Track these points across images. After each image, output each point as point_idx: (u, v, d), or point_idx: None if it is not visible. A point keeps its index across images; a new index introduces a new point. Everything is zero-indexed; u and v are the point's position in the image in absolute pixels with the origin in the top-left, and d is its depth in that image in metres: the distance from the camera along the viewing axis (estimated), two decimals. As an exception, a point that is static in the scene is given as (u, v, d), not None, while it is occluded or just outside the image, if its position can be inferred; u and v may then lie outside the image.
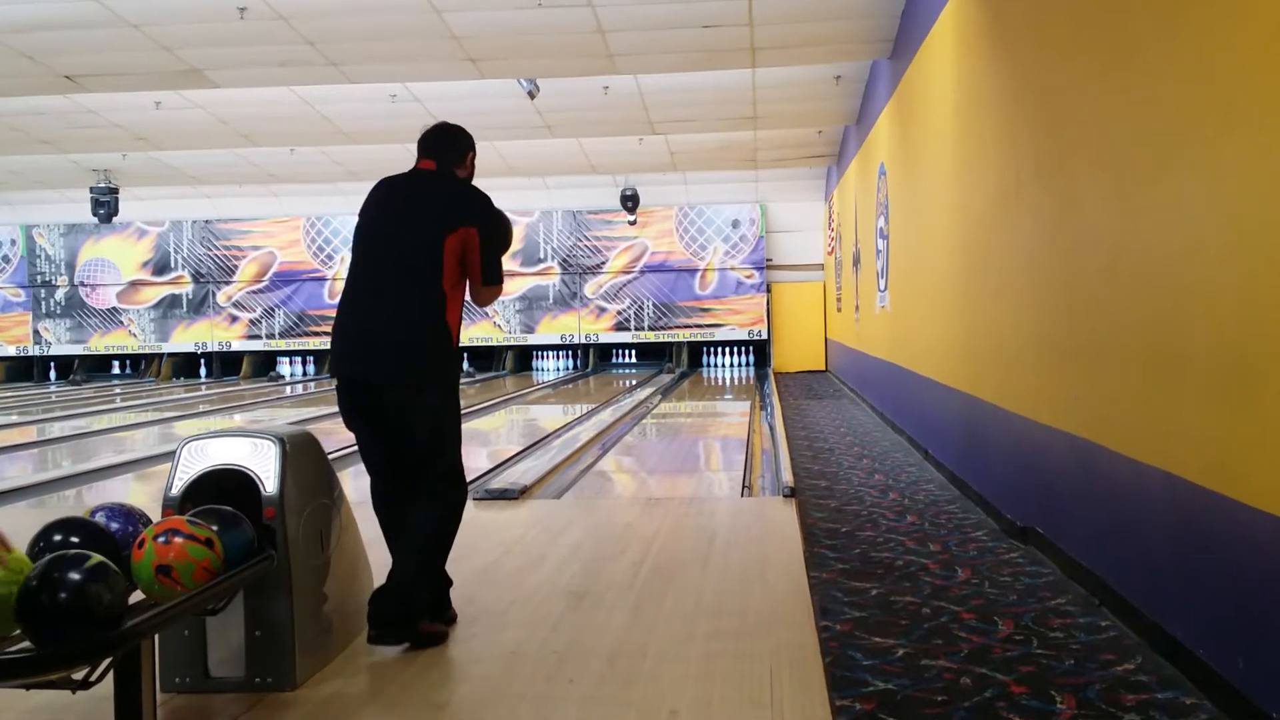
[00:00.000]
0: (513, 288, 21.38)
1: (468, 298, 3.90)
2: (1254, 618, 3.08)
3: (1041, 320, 5.24)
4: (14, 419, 14.53)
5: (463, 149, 3.97)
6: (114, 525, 2.90)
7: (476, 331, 21.35)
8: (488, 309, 3.96)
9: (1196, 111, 3.42)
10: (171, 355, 22.43)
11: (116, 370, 23.12)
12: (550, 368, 21.85)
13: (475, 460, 9.27)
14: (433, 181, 3.90)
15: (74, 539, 2.70)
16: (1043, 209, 5.20)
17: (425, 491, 3.78)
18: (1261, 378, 2.99)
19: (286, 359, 22.61)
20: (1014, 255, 5.77)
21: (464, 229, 3.75)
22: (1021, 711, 3.19)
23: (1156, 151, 3.76)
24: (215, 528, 2.99)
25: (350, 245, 3.98)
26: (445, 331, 3.75)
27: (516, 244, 21.44)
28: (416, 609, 3.69)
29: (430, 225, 3.75)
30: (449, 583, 3.98)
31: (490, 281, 3.84)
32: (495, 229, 3.86)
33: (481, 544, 5.35)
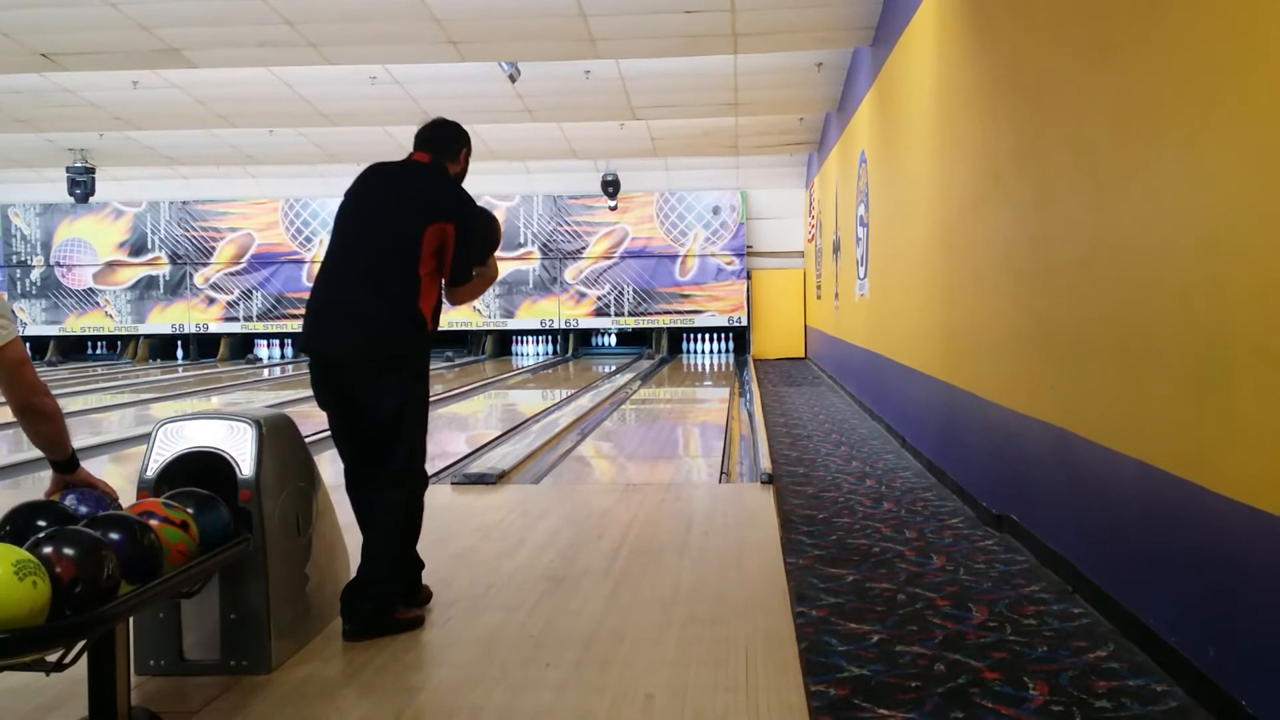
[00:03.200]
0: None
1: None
2: (1225, 606, 3.11)
3: (1019, 310, 5.27)
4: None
5: (457, 145, 4.01)
6: (83, 509, 2.87)
7: (456, 316, 21.29)
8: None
9: (1174, 106, 3.44)
10: (148, 337, 22.31)
11: (91, 351, 22.97)
12: (530, 353, 21.83)
13: (453, 445, 9.26)
14: (422, 172, 3.93)
15: (40, 522, 2.67)
16: (1021, 199, 5.22)
17: (388, 480, 3.79)
18: (1234, 369, 3.01)
19: (264, 341, 22.52)
20: (992, 245, 5.79)
21: (442, 224, 3.78)
22: (994, 698, 3.22)
23: (1134, 144, 3.78)
24: (191, 510, 2.98)
25: (331, 226, 3.98)
26: (416, 316, 3.75)
27: (497, 228, 21.37)
28: (390, 601, 3.72)
29: (413, 214, 3.78)
30: (420, 565, 4.00)
31: (457, 281, 3.87)
32: (472, 228, 3.88)
33: (459, 529, 5.34)
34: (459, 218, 3.83)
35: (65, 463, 3.13)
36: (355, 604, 3.66)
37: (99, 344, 22.94)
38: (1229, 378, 3.05)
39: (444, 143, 4.00)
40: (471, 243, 3.87)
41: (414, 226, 3.75)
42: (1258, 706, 2.88)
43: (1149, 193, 3.64)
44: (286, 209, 21.64)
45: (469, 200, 3.91)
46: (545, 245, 21.23)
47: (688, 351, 21.56)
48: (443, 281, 3.87)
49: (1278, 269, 2.77)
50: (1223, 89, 3.11)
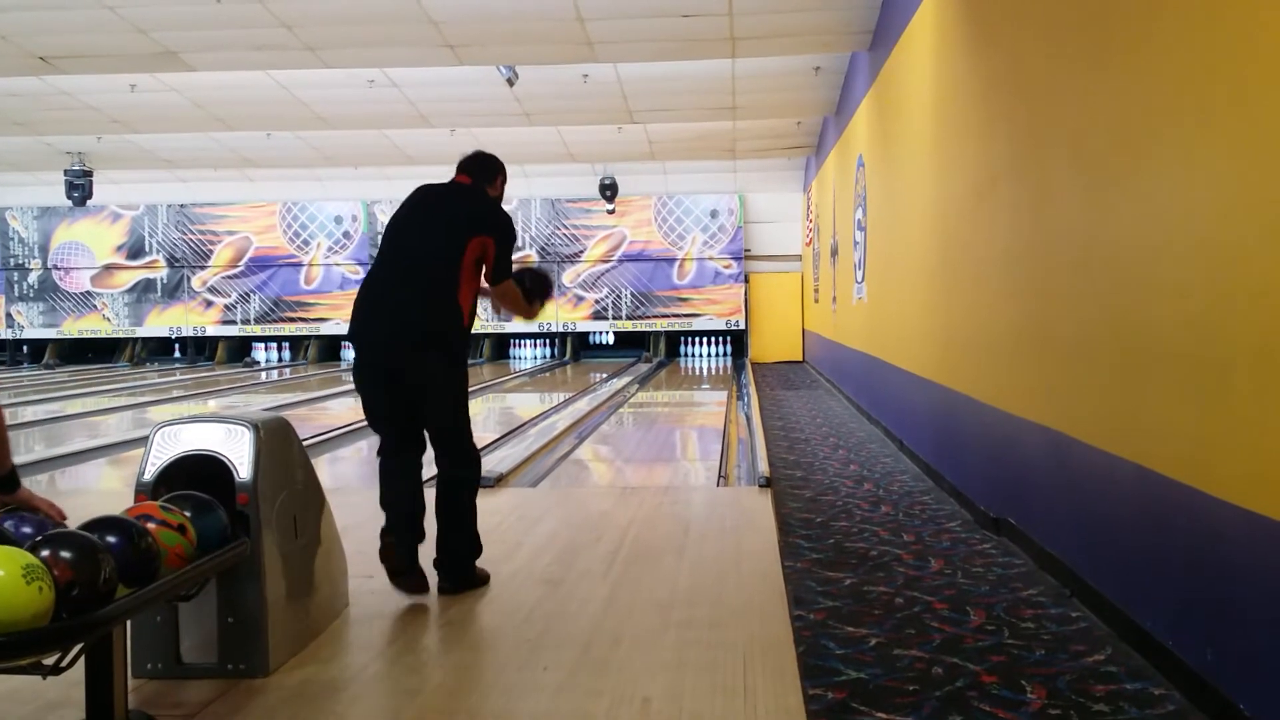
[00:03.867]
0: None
1: (487, 298, 4.54)
2: (1222, 609, 3.12)
3: (1016, 313, 5.27)
4: (-15, 403, 14.39)
5: (493, 172, 4.57)
6: (25, 529, 2.63)
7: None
8: (504, 313, 4.98)
9: (1170, 108, 3.44)
10: (145, 340, 22.30)
11: (91, 355, 22.97)
12: (527, 356, 21.83)
13: (451, 448, 9.24)
14: (466, 193, 4.47)
15: None
16: (1018, 202, 5.23)
17: (452, 463, 4.34)
18: (1230, 372, 3.02)
19: (262, 345, 22.50)
20: (989, 248, 5.80)
21: (483, 237, 4.29)
22: (992, 701, 3.22)
23: (1130, 147, 3.78)
24: (188, 514, 2.98)
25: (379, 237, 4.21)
26: (455, 309, 4.24)
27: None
28: (472, 560, 4.36)
29: (459, 227, 4.28)
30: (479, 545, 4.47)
31: (496, 281, 4.39)
32: (510, 241, 4.42)
33: (456, 532, 5.34)
34: (498, 232, 4.33)
35: (4, 480, 2.80)
36: (446, 565, 4.25)
37: (96, 349, 22.92)
38: (1226, 381, 3.05)
39: (482, 170, 4.54)
40: (509, 253, 4.39)
41: (459, 239, 4.25)
42: (1255, 709, 2.88)
43: (1145, 195, 3.65)
44: (284, 212, 21.63)
45: (507, 219, 4.44)
46: (543, 249, 21.23)
47: (686, 355, 21.56)
48: (484, 284, 4.40)
49: (1274, 271, 2.78)
50: (1218, 91, 3.12)
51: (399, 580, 4.18)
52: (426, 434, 4.35)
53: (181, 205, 21.85)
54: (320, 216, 21.35)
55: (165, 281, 22.05)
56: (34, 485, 7.50)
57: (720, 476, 7.51)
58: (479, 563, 4.42)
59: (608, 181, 20.11)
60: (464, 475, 4.37)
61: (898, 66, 8.88)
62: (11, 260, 22.24)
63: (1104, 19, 4.05)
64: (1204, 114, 3.21)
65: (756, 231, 21.21)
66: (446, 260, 4.24)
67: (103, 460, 8.72)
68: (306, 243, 21.60)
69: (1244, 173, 2.96)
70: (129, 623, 2.83)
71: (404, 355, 4.19)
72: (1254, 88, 2.91)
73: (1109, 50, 3.99)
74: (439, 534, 4.30)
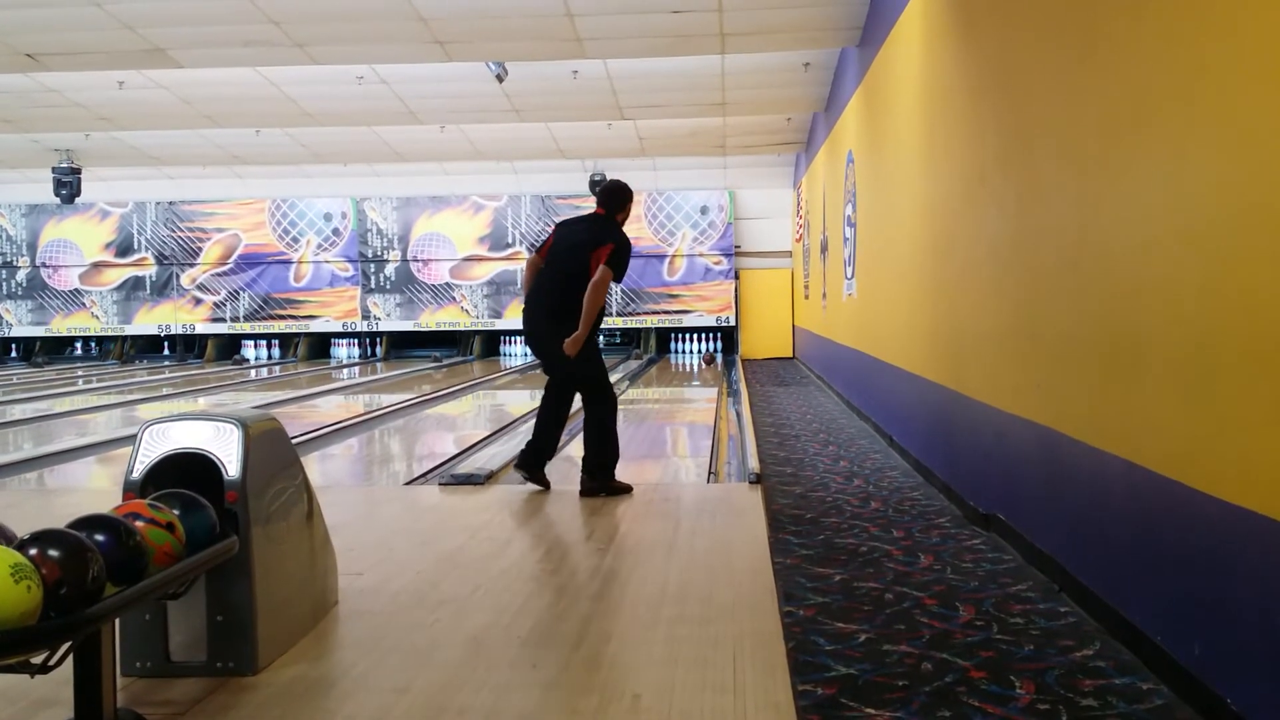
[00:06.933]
0: (480, 272, 21.35)
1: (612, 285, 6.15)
2: (1211, 605, 3.13)
3: (1005, 309, 5.28)
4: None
5: (623, 201, 6.29)
6: None
7: (443, 317, 21.30)
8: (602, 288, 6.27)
9: (1157, 104, 3.45)
10: (134, 338, 22.24)
11: (80, 351, 22.89)
12: (518, 353, 21.78)
13: (441, 445, 9.26)
14: (596, 221, 6.27)
15: None
16: (1006, 198, 5.23)
17: (589, 399, 6.20)
18: (1219, 369, 3.03)
19: (251, 342, 22.45)
20: (978, 244, 5.81)
21: (602, 248, 6.00)
22: (981, 696, 3.23)
23: (1119, 142, 3.79)
24: (177, 512, 2.97)
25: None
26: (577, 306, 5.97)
27: (484, 229, 21.38)
28: (609, 467, 6.09)
29: (585, 243, 6.06)
30: (616, 457, 6.15)
31: (618, 278, 6.08)
32: (625, 249, 6.13)
33: (447, 529, 5.34)
34: (615, 240, 6.06)
35: None
36: (589, 467, 6.06)
37: (90, 344, 22.84)
38: (1215, 377, 3.06)
39: (611, 200, 6.29)
40: (625, 259, 6.10)
41: (585, 253, 5.99)
42: (1242, 704, 2.89)
43: (1134, 191, 3.65)
44: (273, 209, 21.57)
45: (623, 235, 6.17)
46: (533, 245, 21.20)
47: (676, 351, 21.56)
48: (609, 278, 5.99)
49: (1264, 267, 2.79)
50: (1205, 86, 3.12)
51: None
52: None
53: (170, 202, 21.79)
54: (310, 214, 21.30)
55: (154, 279, 21.99)
56: (23, 484, 7.50)
57: (710, 473, 7.51)
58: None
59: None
60: (600, 400, 6.26)
61: (887, 62, 8.89)
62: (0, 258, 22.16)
63: (1091, 14, 4.05)
64: (1192, 108, 3.22)
65: (746, 228, 21.22)
66: (577, 274, 6.03)
67: (91, 458, 8.69)
68: (296, 240, 21.55)
69: (1232, 168, 2.97)
70: (117, 621, 2.82)
71: (545, 341, 6.19)
72: (1241, 82, 2.91)
73: (1096, 45, 3.99)
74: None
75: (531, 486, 6.16)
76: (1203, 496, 3.12)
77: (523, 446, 6.26)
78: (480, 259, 21.43)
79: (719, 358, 19.73)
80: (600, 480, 6.02)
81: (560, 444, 6.47)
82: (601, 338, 7.90)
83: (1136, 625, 3.59)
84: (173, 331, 22.04)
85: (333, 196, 21.23)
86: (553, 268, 6.12)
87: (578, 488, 6.07)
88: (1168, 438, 3.38)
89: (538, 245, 7.33)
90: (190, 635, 3.28)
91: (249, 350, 22.47)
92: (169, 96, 13.53)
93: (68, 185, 18.18)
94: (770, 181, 20.79)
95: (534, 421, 6.30)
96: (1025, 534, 4.89)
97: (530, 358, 21.44)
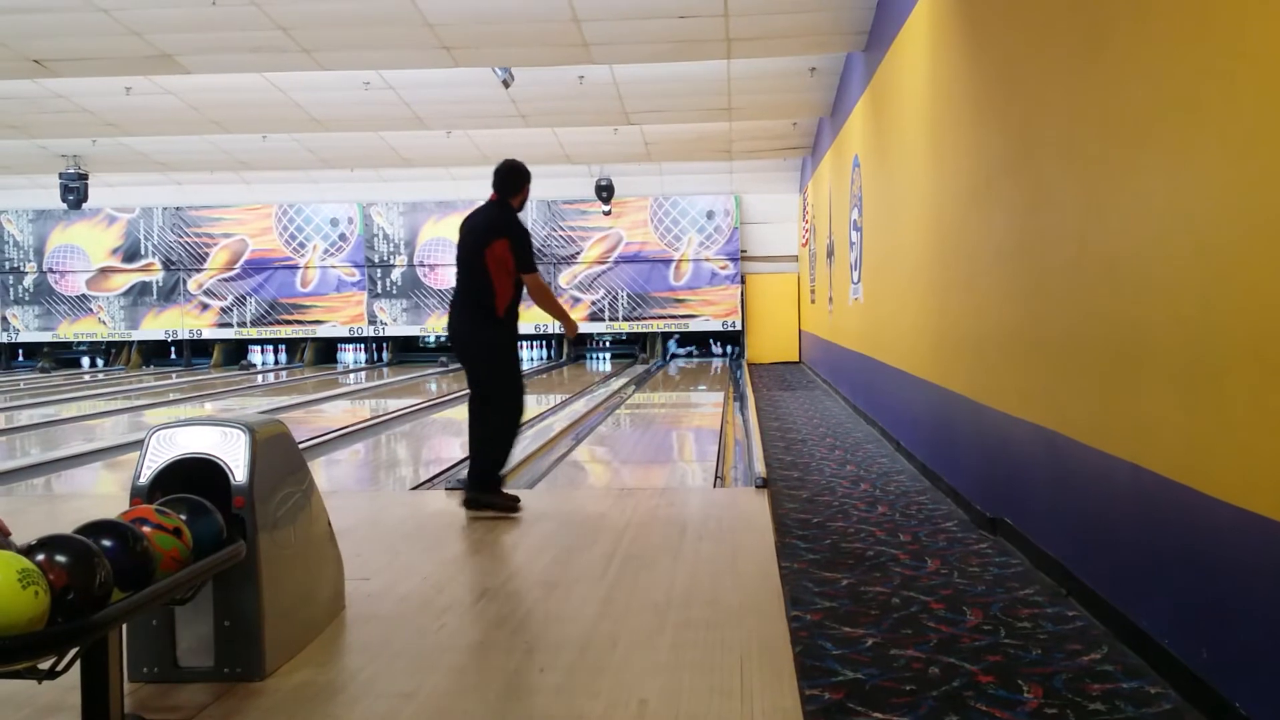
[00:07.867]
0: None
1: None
2: (1218, 608, 3.12)
3: (1011, 313, 5.28)
4: (-19, 406, 14.38)
5: (519, 183, 5.86)
6: None
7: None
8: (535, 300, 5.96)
9: (1162, 109, 3.45)
10: (141, 343, 22.28)
11: (86, 358, 22.94)
12: (524, 358, 21.79)
13: (447, 450, 9.26)
14: (490, 209, 5.85)
15: None
16: (1012, 202, 5.23)
17: (494, 408, 5.77)
18: (1224, 372, 3.02)
19: (258, 347, 22.47)
20: (984, 248, 5.80)
21: (497, 240, 5.65)
22: (989, 701, 3.22)
23: (1124, 148, 3.79)
24: (184, 517, 2.97)
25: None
26: (490, 310, 5.71)
27: (490, 233, 21.34)
28: (492, 476, 5.71)
29: (480, 231, 5.73)
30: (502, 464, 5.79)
31: (525, 271, 5.73)
32: (523, 240, 5.76)
33: (453, 534, 5.34)
34: (511, 233, 5.70)
35: None
36: (478, 478, 5.65)
37: (95, 352, 22.88)
38: (1220, 380, 3.05)
39: (504, 182, 5.84)
40: (528, 246, 5.75)
41: (480, 243, 5.66)
42: (1251, 708, 2.88)
43: (1139, 195, 3.65)
44: (280, 214, 21.60)
45: (518, 223, 5.81)
46: (540, 251, 21.18)
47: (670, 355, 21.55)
48: (519, 276, 5.71)
49: (1268, 271, 2.78)
50: (1209, 92, 3.12)
51: None
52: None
53: (177, 208, 21.82)
54: (316, 219, 21.32)
55: (161, 284, 22.02)
56: (30, 490, 7.51)
57: (717, 477, 7.51)
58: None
59: (604, 183, 20.11)
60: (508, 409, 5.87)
61: (893, 67, 8.89)
62: (6, 264, 22.20)
63: (1096, 20, 4.05)
64: (1196, 113, 3.22)
65: (753, 232, 21.21)
66: (476, 266, 5.76)
67: (98, 464, 8.71)
68: (302, 245, 21.58)
69: (1237, 172, 2.97)
70: (125, 626, 2.82)
71: (461, 347, 6.03)
72: (1245, 88, 2.91)
73: (1102, 51, 3.99)
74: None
75: (535, 491, 6.15)
76: (1209, 500, 3.11)
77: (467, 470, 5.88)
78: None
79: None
80: (488, 494, 5.67)
81: (568, 449, 6.46)
82: (532, 350, 8.15)
83: (1144, 629, 3.58)
84: (180, 337, 22.07)
85: (339, 202, 21.25)
86: (459, 263, 5.87)
87: (580, 489, 6.05)
88: (1173, 441, 3.37)
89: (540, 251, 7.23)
90: (197, 640, 3.28)
91: (255, 355, 22.50)
92: (176, 102, 13.56)
93: (75, 191, 18.21)
94: (776, 186, 20.79)
95: (468, 442, 5.91)
96: (1032, 538, 4.88)
97: (537, 361, 21.55)
